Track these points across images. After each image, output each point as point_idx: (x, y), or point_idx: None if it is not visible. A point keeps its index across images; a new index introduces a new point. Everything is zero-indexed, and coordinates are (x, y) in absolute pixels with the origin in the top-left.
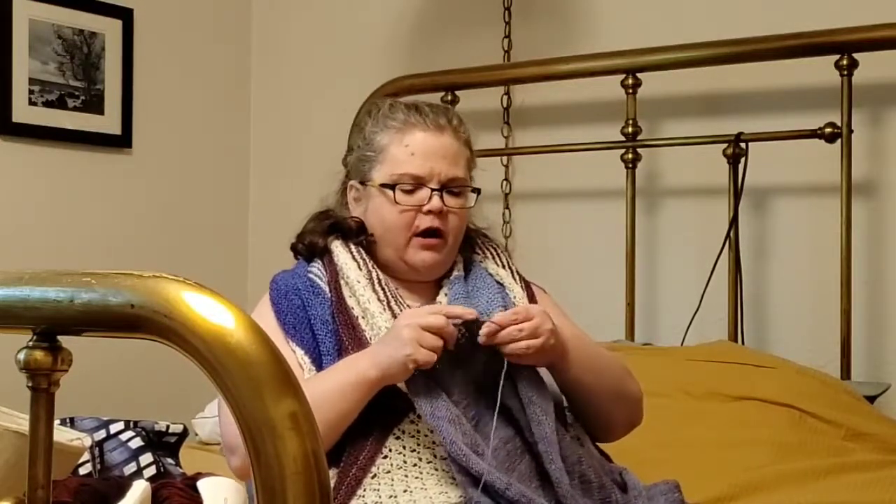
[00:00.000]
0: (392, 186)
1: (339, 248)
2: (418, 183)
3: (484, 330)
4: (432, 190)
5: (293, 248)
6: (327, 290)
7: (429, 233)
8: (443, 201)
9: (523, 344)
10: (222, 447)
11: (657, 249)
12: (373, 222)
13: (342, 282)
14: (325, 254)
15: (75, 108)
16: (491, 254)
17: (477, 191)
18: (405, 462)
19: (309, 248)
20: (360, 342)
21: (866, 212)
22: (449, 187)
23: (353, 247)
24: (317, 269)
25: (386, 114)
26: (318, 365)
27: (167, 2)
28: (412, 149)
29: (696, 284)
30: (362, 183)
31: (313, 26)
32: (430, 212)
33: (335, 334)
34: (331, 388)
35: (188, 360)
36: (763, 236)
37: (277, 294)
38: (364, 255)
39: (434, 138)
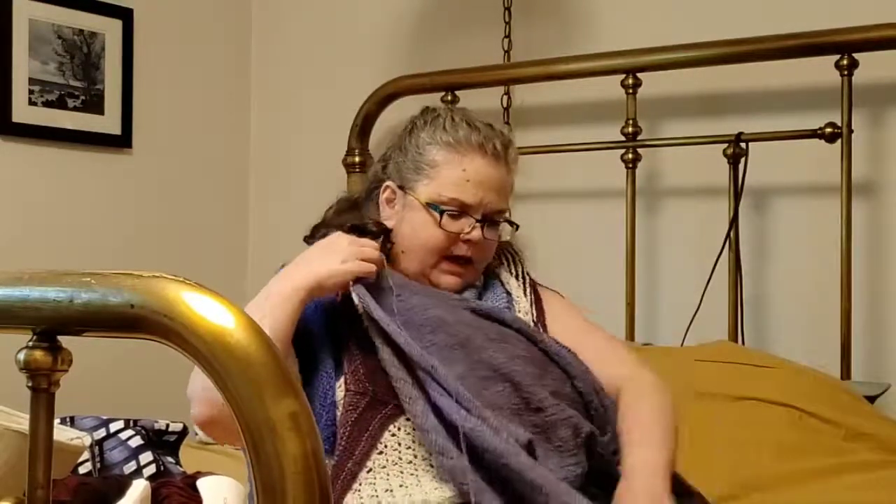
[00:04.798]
0: (440, 210)
1: None
2: (464, 210)
3: None
4: (476, 220)
5: (306, 241)
6: None
7: (459, 258)
8: (482, 232)
9: None
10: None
11: (657, 249)
12: (405, 233)
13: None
14: None
15: (75, 108)
16: (506, 259)
17: (515, 225)
18: (400, 458)
19: None
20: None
21: (866, 212)
22: (491, 219)
23: None
24: None
25: (445, 126)
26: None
27: (167, 2)
28: (468, 175)
29: (696, 284)
30: (401, 187)
31: (313, 26)
32: (467, 240)
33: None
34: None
35: (188, 360)
36: (763, 236)
37: None
38: None
39: (491, 168)
